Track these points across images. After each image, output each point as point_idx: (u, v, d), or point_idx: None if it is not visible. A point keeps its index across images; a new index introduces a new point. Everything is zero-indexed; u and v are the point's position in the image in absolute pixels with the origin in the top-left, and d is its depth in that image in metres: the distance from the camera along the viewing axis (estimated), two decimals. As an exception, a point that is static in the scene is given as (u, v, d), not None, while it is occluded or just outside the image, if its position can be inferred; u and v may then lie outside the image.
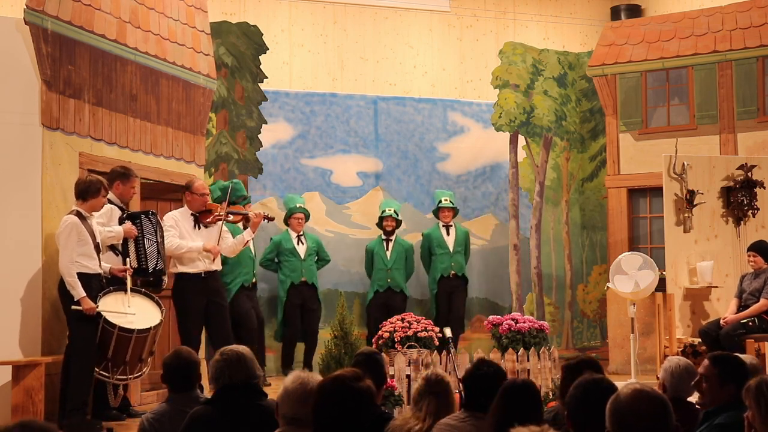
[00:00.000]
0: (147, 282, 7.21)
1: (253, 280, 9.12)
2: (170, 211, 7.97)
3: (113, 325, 6.54)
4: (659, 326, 9.05)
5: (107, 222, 7.00)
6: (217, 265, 7.80)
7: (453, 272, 10.05)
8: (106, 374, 6.59)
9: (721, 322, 8.58)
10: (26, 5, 7.01)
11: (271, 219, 8.33)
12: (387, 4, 10.90)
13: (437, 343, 7.33)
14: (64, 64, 7.28)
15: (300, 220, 9.60)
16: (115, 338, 6.55)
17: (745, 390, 3.26)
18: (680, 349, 8.78)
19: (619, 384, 3.04)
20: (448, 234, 10.11)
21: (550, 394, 7.14)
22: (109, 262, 6.96)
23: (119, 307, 6.70)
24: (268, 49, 10.36)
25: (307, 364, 9.30)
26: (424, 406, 3.99)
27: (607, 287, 9.14)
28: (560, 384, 4.25)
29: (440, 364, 7.01)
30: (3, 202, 6.87)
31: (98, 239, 6.69)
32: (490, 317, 7.87)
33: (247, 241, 8.20)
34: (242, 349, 4.09)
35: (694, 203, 9.47)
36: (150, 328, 6.74)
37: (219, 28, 9.98)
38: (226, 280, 8.76)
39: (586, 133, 11.41)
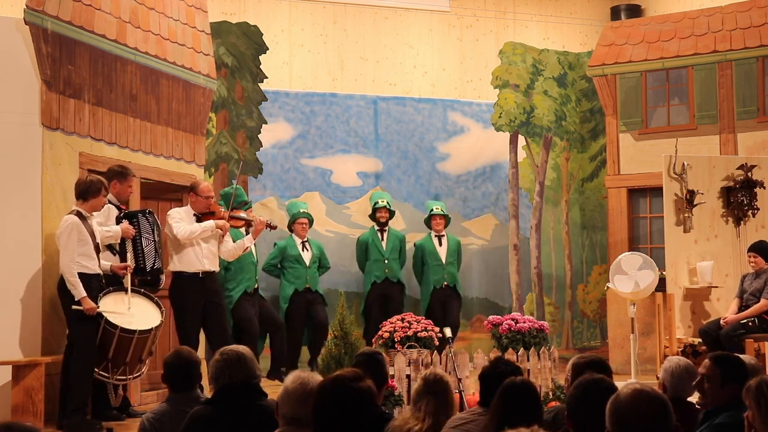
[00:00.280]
0: (145, 281, 7.22)
1: (255, 286, 9.09)
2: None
3: (114, 326, 6.54)
4: (659, 326, 9.05)
5: (105, 221, 7.00)
6: (215, 266, 7.79)
7: (446, 283, 9.99)
8: (106, 375, 6.59)
9: (722, 322, 8.58)
10: (26, 5, 7.01)
11: (273, 227, 8.31)
12: (387, 4, 10.90)
13: (437, 343, 7.33)
14: (64, 64, 7.28)
15: (304, 226, 9.52)
16: (116, 339, 6.54)
17: (745, 390, 3.26)
18: (680, 349, 8.78)
19: (619, 384, 3.04)
20: (440, 245, 10.00)
21: (550, 394, 7.14)
22: (107, 262, 6.96)
23: (120, 308, 6.70)
24: (268, 49, 10.36)
25: (315, 356, 9.19)
26: (422, 406, 3.99)
27: (607, 287, 9.14)
28: (569, 384, 4.23)
29: (440, 364, 7.01)
30: (3, 202, 6.87)
31: (98, 239, 6.69)
32: (490, 317, 7.86)
33: (247, 247, 8.19)
34: (242, 349, 4.08)
35: (694, 203, 9.47)
36: (151, 329, 6.75)
37: (219, 28, 9.98)
38: (229, 286, 8.72)
39: (586, 133, 11.40)
